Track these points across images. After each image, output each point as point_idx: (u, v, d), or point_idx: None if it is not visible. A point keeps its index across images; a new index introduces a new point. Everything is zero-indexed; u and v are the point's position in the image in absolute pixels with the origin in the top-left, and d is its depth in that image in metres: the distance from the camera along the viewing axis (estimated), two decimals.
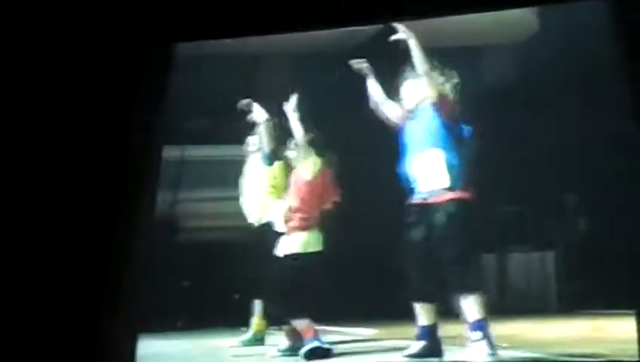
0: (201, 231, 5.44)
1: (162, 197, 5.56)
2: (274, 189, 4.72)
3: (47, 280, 3.19)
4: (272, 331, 4.64)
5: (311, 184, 4.35)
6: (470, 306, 3.81)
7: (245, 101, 4.87)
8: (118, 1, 3.51)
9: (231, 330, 4.71)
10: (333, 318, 4.73)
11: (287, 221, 4.36)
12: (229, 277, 4.85)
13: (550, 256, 5.09)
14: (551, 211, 5.11)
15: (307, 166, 4.37)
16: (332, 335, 4.68)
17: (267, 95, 6.28)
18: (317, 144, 4.39)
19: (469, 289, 3.83)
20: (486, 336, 3.79)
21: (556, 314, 4.72)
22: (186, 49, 4.39)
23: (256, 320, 4.67)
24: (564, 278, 4.89)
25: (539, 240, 5.13)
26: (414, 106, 4.10)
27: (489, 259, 5.02)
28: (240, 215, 5.01)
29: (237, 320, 4.72)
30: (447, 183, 3.91)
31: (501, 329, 3.95)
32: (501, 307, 4.63)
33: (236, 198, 5.06)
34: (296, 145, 4.45)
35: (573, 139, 4.82)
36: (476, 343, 3.78)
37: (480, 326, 3.79)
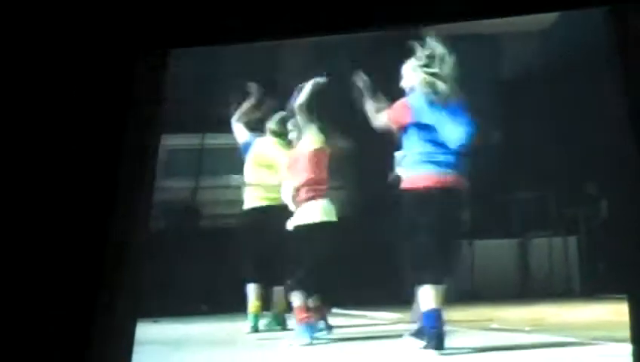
0: (222, 218, 5.47)
1: (184, 185, 5.61)
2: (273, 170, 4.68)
3: (45, 278, 3.20)
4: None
5: (313, 156, 4.30)
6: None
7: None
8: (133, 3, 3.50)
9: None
10: (356, 301, 4.75)
11: (294, 198, 4.29)
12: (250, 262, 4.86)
13: (572, 241, 5.09)
14: (573, 196, 5.11)
15: (308, 139, 4.33)
16: (355, 319, 4.71)
17: (285, 82, 6.32)
18: (320, 120, 4.35)
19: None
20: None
21: (579, 297, 4.71)
22: None
23: (255, 302, 4.64)
24: (587, 262, 4.89)
25: (561, 225, 5.13)
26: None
27: (511, 245, 5.03)
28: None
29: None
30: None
31: (524, 312, 3.95)
32: (524, 291, 4.66)
33: None
34: (296, 120, 4.39)
35: (593, 125, 4.80)
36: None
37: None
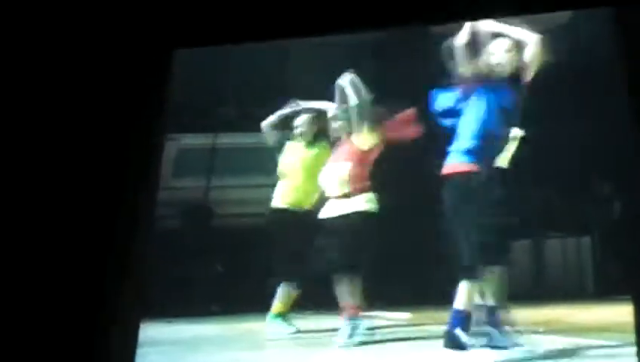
0: (234, 218, 5.47)
1: (196, 184, 5.62)
2: (313, 171, 4.68)
3: (51, 276, 3.20)
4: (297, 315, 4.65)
5: (367, 153, 4.37)
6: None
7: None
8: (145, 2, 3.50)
9: (265, 315, 4.72)
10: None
11: (342, 184, 4.33)
12: (263, 262, 4.87)
13: (586, 241, 5.07)
14: (587, 197, 5.08)
15: (364, 136, 4.39)
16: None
17: (296, 82, 6.31)
18: (372, 116, 4.42)
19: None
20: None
21: (593, 299, 4.69)
22: None
23: (277, 303, 4.63)
24: (601, 263, 4.87)
25: (574, 225, 5.11)
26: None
27: (524, 245, 5.00)
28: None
29: (271, 304, 4.73)
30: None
31: (538, 313, 3.94)
32: (537, 292, 4.63)
33: (269, 185, 5.08)
34: (347, 115, 4.46)
35: (606, 126, 4.77)
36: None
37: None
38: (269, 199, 4.99)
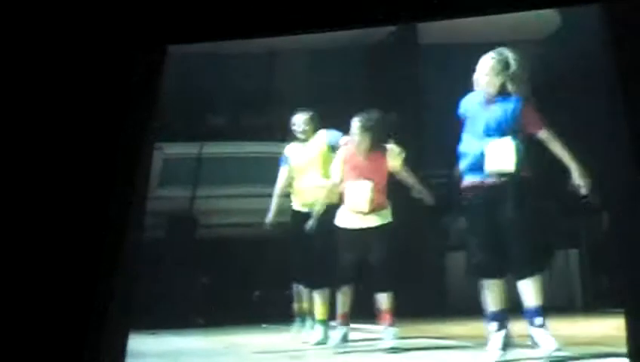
0: (220, 228, 5.44)
1: (181, 194, 5.58)
2: (319, 169, 4.73)
3: (36, 293, 3.15)
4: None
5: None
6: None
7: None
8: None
9: (251, 327, 4.70)
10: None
11: (372, 199, 4.40)
12: (249, 274, 4.85)
13: (574, 254, 5.07)
14: (574, 208, 5.08)
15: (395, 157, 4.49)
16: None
17: (285, 90, 6.30)
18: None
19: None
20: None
21: (581, 312, 4.70)
22: (202, 46, 4.37)
23: (320, 309, 4.57)
24: (589, 276, 4.88)
25: (562, 237, 5.11)
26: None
27: None
28: (259, 211, 5.00)
29: (257, 316, 4.72)
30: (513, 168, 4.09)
31: (526, 327, 3.94)
32: None
33: (255, 195, 5.06)
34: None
35: (596, 137, 4.78)
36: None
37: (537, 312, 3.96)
38: (256, 209, 4.96)
